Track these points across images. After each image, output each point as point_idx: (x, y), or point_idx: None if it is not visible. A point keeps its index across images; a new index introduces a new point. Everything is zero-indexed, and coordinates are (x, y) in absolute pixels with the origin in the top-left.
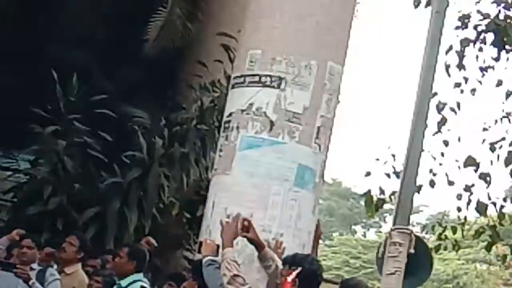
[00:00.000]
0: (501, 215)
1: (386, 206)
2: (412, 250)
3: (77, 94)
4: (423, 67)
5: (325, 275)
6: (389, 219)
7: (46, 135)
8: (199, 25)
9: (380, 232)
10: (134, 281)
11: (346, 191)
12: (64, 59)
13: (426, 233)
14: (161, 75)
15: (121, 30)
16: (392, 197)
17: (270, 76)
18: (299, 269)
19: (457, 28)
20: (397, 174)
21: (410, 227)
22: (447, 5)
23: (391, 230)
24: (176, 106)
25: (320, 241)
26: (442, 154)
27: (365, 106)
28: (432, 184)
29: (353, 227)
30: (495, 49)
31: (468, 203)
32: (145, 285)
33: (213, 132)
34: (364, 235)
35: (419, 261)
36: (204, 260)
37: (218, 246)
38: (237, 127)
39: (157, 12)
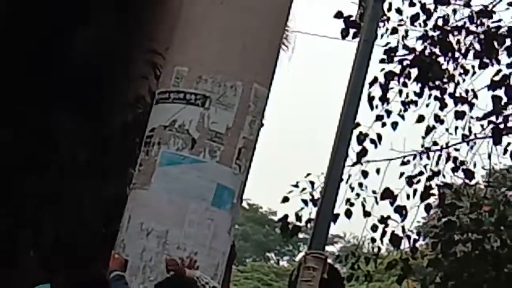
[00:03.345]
0: (414, 249)
1: (301, 235)
2: (325, 276)
3: None
4: (348, 95)
5: None
6: (303, 248)
7: None
8: (127, 40)
9: (293, 260)
10: None
11: (262, 218)
12: None
13: (340, 262)
14: (86, 87)
15: (49, 35)
16: (309, 224)
17: (195, 94)
18: None
19: (382, 61)
20: (314, 202)
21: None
22: (376, 37)
23: (306, 254)
24: (99, 119)
25: (233, 266)
26: (360, 185)
27: (288, 133)
28: (348, 214)
29: (266, 254)
30: (419, 85)
31: (383, 235)
32: None
33: (134, 149)
34: (277, 263)
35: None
36: (111, 275)
37: (126, 261)
38: (159, 143)
39: (87, 23)
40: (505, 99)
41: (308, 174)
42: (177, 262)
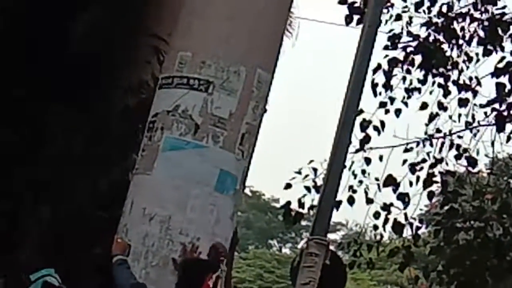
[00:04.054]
0: (416, 237)
1: (303, 223)
2: (327, 262)
3: None
4: (351, 82)
5: None
6: (306, 235)
7: None
8: (129, 25)
9: (296, 248)
10: (43, 276)
11: (265, 205)
12: None
13: (342, 249)
14: (86, 74)
15: (47, 24)
16: (311, 211)
17: (199, 79)
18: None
19: (386, 47)
20: (317, 188)
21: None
22: (380, 23)
23: (308, 240)
24: (101, 104)
25: (235, 253)
26: (363, 172)
27: (292, 118)
28: (350, 201)
29: (269, 241)
30: (422, 72)
31: (385, 223)
32: (50, 280)
33: (137, 134)
34: (280, 250)
35: (333, 274)
36: (114, 259)
37: (129, 245)
38: (162, 128)
39: (85, 11)
40: (509, 86)
41: (311, 161)
42: None
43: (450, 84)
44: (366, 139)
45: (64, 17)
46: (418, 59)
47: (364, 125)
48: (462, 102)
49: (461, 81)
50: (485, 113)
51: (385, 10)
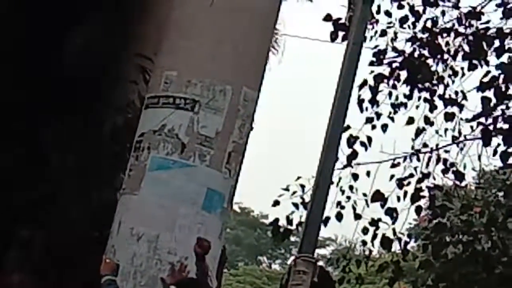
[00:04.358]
0: (405, 251)
1: (293, 239)
2: (315, 279)
3: None
4: (337, 98)
5: None
6: (295, 251)
7: None
8: (115, 45)
9: (285, 264)
10: None
11: (254, 221)
12: None
13: (331, 265)
14: (75, 93)
15: (38, 40)
16: (299, 227)
17: (185, 98)
18: None
19: (371, 63)
20: (305, 205)
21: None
22: (364, 40)
23: (296, 258)
24: (89, 125)
25: (225, 270)
26: (351, 188)
27: (279, 135)
28: (339, 217)
29: (258, 257)
30: (408, 87)
31: (374, 238)
32: None
33: (124, 153)
34: (270, 266)
35: None
36: (103, 280)
37: (117, 265)
38: (148, 148)
39: (75, 30)
40: (494, 100)
41: (299, 177)
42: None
43: (436, 98)
44: (353, 155)
45: (54, 37)
46: (403, 74)
47: (351, 141)
48: (448, 117)
49: (447, 96)
50: (471, 127)
51: (370, 26)
